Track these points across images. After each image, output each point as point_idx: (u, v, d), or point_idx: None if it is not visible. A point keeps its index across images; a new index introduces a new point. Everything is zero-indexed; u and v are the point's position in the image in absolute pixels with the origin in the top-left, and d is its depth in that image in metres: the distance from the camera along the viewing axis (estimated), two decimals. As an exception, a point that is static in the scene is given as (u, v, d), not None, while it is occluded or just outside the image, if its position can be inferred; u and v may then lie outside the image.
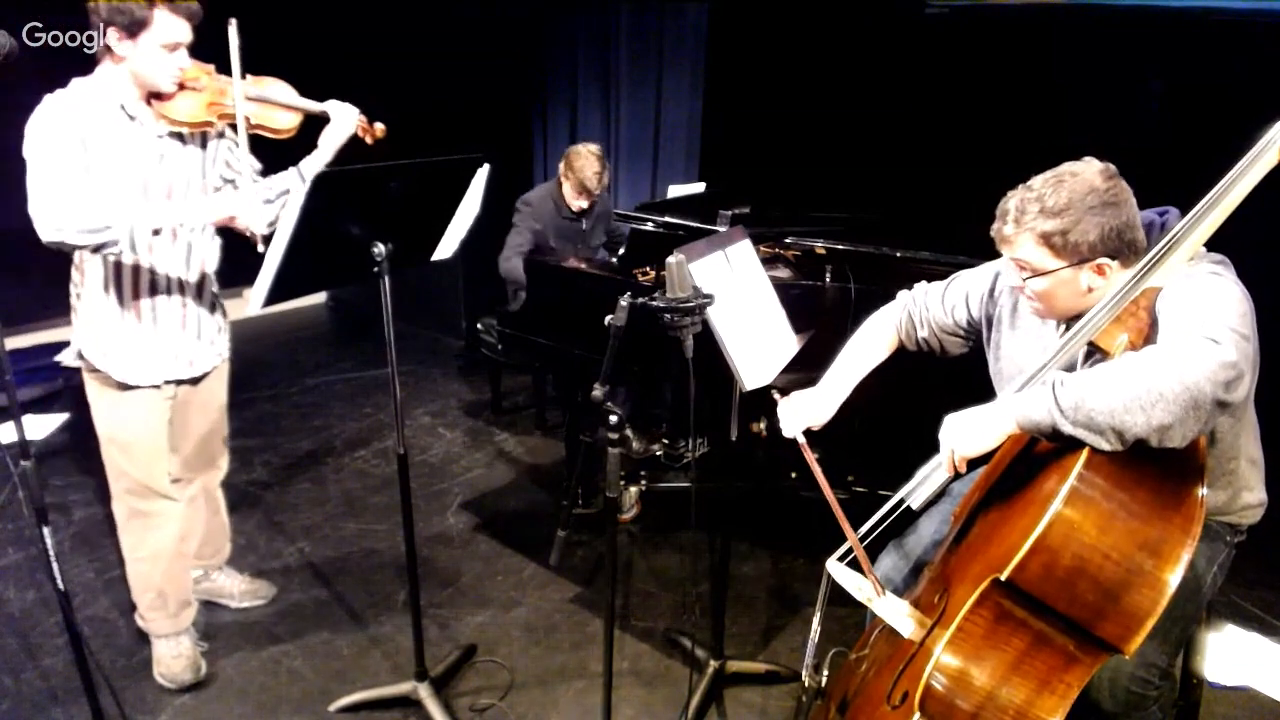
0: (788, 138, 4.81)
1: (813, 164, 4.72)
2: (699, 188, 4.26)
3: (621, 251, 3.67)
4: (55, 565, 1.71)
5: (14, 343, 4.34)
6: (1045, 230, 1.47)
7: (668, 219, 3.02)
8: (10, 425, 1.64)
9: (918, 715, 1.38)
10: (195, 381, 2.33)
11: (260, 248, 2.06)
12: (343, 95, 2.25)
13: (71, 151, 1.89)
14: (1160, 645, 1.55)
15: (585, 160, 3.52)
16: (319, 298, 6.14)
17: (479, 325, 4.01)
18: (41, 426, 3.83)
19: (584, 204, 3.62)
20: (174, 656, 2.36)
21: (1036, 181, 1.51)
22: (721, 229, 2.68)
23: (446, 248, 2.18)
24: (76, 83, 1.96)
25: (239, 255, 2.22)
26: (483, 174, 2.06)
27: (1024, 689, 1.34)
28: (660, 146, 5.43)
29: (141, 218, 1.93)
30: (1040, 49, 4.23)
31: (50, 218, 1.84)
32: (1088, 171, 1.48)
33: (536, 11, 5.32)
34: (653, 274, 2.81)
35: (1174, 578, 1.24)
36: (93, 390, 2.18)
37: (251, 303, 1.79)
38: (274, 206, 2.23)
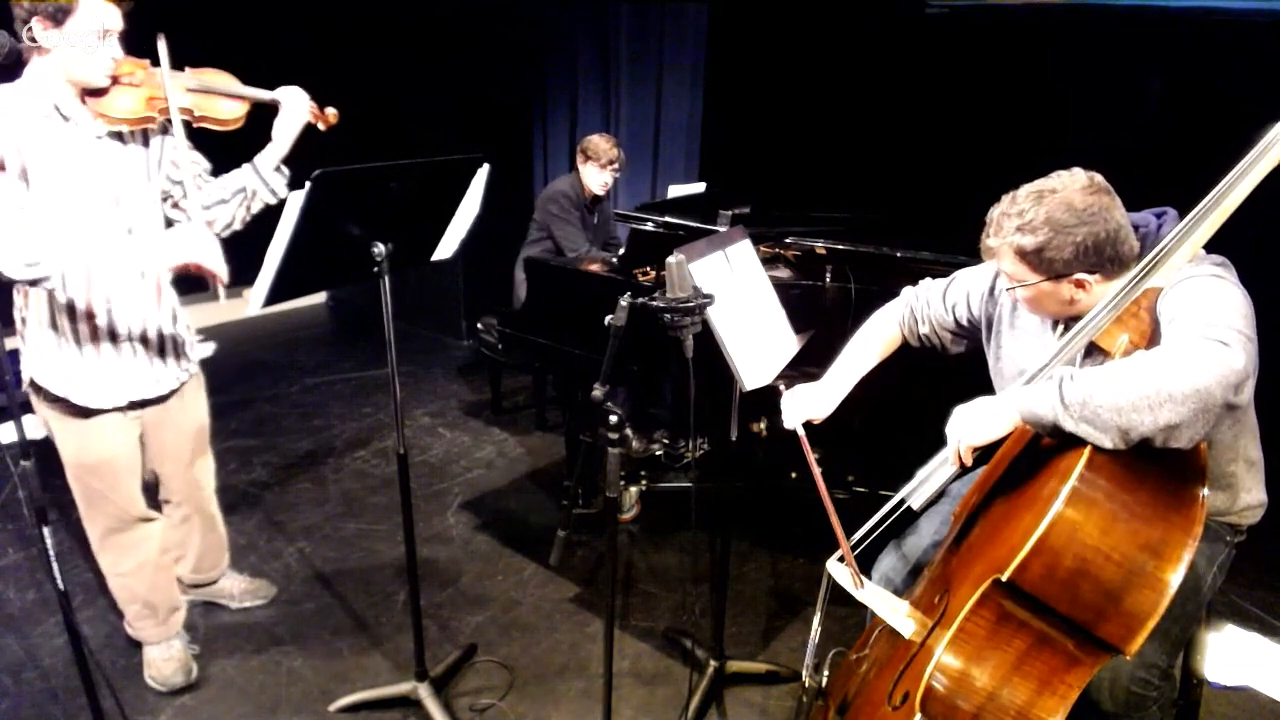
0: (788, 138, 4.81)
1: (813, 164, 4.72)
2: (699, 188, 4.26)
3: (621, 251, 3.68)
4: (55, 565, 1.71)
5: (14, 343, 4.33)
6: (1021, 246, 1.49)
7: (668, 219, 3.01)
8: (10, 425, 1.64)
9: (919, 716, 1.38)
10: (163, 400, 2.22)
11: (221, 294, 1.95)
12: (343, 95, 2.24)
13: (8, 171, 1.77)
14: (1160, 645, 1.55)
15: (598, 142, 3.75)
16: (319, 298, 6.14)
17: (479, 325, 4.01)
18: (42, 426, 3.82)
19: (609, 179, 3.79)
20: (165, 659, 2.35)
21: (1021, 193, 1.52)
22: (721, 229, 2.68)
23: (446, 248, 2.17)
24: (3, 88, 1.82)
25: (239, 255, 2.20)
26: (483, 174, 2.06)
27: (1025, 690, 1.34)
28: (660, 146, 5.43)
29: (79, 256, 1.81)
30: (1040, 49, 4.23)
31: None
32: (1071, 186, 1.48)
33: (536, 11, 5.32)
34: (653, 274, 2.81)
35: (1175, 578, 1.24)
36: (53, 418, 2.06)
37: (251, 303, 1.77)
38: (230, 206, 2.14)
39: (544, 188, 3.97)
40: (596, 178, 3.76)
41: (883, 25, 4.60)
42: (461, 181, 2.06)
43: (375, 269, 1.92)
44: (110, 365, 2.06)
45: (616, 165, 3.77)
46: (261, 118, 2.12)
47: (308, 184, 1.67)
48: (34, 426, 2.62)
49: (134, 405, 2.15)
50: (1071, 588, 1.27)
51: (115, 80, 1.89)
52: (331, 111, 2.17)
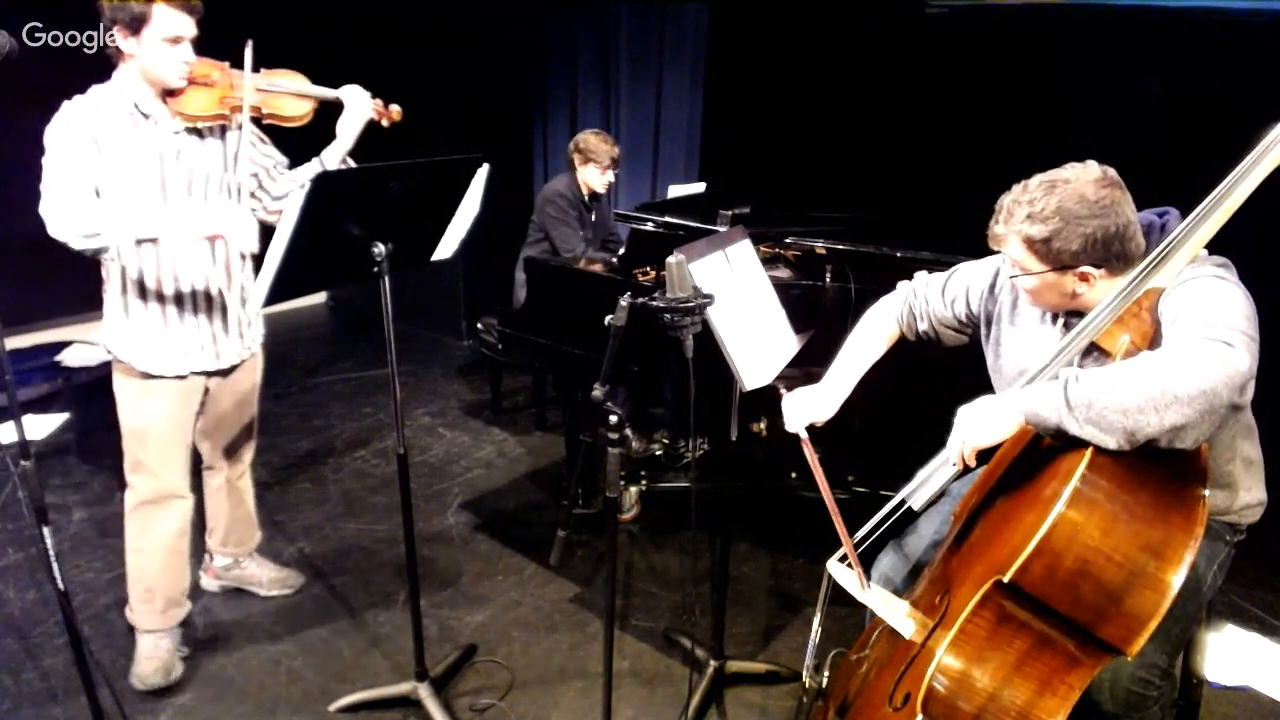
0: (788, 138, 4.81)
1: (813, 164, 4.72)
2: (699, 188, 4.26)
3: (622, 251, 3.69)
4: (55, 565, 1.71)
5: (14, 343, 4.34)
6: (1029, 235, 1.49)
7: (668, 219, 3.01)
8: (10, 425, 1.64)
9: (920, 717, 1.38)
10: (225, 374, 2.36)
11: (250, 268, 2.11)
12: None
13: (79, 156, 1.95)
14: (1161, 645, 1.55)
15: (595, 141, 3.71)
16: (319, 298, 6.13)
17: (479, 325, 4.01)
18: (41, 426, 3.83)
19: (609, 179, 3.77)
20: (149, 657, 2.35)
21: (1034, 181, 1.53)
22: (721, 229, 2.68)
23: (446, 248, 2.17)
24: (95, 88, 2.02)
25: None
26: (482, 174, 2.06)
27: (1026, 690, 1.34)
28: (660, 146, 5.43)
29: (127, 229, 1.98)
30: (1040, 49, 4.23)
31: (54, 220, 1.93)
32: (1084, 178, 1.48)
33: (536, 11, 5.32)
34: (653, 274, 2.81)
35: (1176, 579, 1.24)
36: (118, 380, 2.22)
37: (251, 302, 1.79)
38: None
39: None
40: (596, 177, 3.74)
41: (883, 25, 4.60)
42: (461, 181, 2.06)
43: (375, 269, 1.93)
44: (174, 336, 2.19)
45: (615, 163, 3.76)
46: (331, 114, 2.25)
47: (308, 184, 1.68)
48: (34, 427, 2.63)
49: (194, 375, 2.26)
50: (1073, 589, 1.27)
51: (192, 81, 2.06)
52: (395, 108, 2.29)
